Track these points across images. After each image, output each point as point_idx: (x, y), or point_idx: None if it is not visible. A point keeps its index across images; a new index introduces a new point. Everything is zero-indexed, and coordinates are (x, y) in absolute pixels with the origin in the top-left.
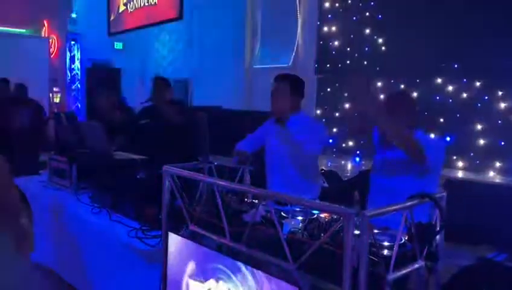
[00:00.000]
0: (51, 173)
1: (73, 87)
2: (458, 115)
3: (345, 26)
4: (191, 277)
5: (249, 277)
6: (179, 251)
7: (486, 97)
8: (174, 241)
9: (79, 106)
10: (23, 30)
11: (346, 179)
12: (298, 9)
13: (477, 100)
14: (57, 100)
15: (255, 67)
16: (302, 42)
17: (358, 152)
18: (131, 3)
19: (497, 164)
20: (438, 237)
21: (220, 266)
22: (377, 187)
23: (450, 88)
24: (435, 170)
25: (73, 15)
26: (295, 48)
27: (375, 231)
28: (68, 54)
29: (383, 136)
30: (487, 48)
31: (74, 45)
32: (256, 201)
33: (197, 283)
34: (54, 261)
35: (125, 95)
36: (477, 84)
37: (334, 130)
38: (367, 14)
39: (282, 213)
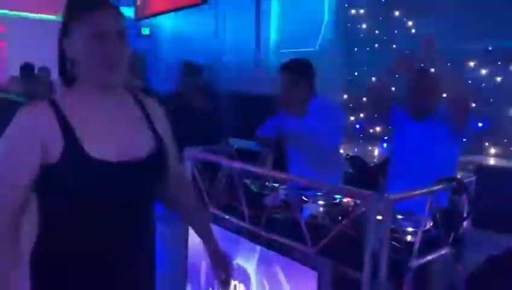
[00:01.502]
0: None
1: None
2: (491, 100)
3: (373, 9)
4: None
5: (268, 261)
6: None
7: None
8: None
9: None
10: (54, 16)
11: (372, 165)
12: None
13: (511, 84)
14: None
15: (282, 51)
16: (330, 25)
17: (385, 138)
18: None
19: None
20: (464, 223)
21: (239, 249)
22: (408, 165)
23: (483, 72)
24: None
25: None
26: (322, 32)
27: (399, 216)
28: None
29: (418, 110)
30: None
31: None
32: (277, 185)
33: None
34: None
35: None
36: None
37: (361, 115)
38: None
39: (303, 197)
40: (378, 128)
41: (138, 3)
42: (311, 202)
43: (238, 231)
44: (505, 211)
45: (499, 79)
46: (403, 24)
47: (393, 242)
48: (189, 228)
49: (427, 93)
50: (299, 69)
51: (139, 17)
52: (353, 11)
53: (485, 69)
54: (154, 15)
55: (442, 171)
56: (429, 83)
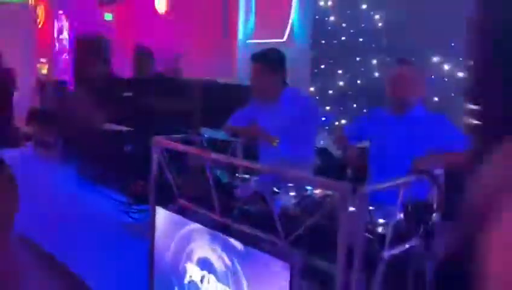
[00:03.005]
0: (36, 144)
1: (61, 58)
2: (453, 94)
3: (341, 2)
4: (180, 252)
5: (239, 253)
6: (167, 226)
7: None
8: (162, 215)
9: (67, 77)
10: None
11: (339, 157)
12: None
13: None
14: (44, 71)
15: (249, 41)
16: (297, 17)
17: None
18: None
19: None
20: (434, 215)
21: (209, 241)
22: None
23: (446, 67)
24: None
25: None
26: (290, 23)
27: (370, 207)
28: (56, 23)
29: (397, 101)
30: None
31: (62, 14)
32: (248, 176)
33: (187, 259)
34: (39, 234)
35: (114, 66)
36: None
37: (328, 108)
38: None
39: (274, 189)
40: (343, 121)
41: None
42: (283, 193)
43: (209, 223)
44: None
45: (460, 74)
46: (370, 17)
47: (365, 233)
48: (156, 218)
49: (405, 84)
50: (271, 59)
51: (102, 2)
52: (321, 3)
53: (448, 64)
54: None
55: None
56: (408, 74)
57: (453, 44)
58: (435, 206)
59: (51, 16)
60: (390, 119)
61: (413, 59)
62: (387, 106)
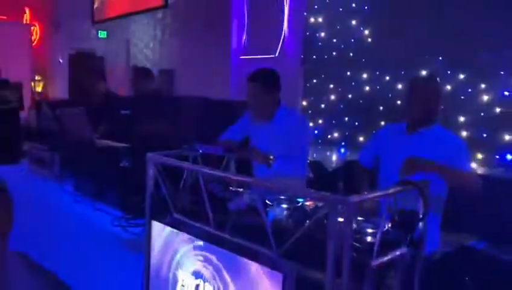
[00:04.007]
0: (32, 162)
1: (56, 75)
2: (442, 107)
3: (332, 17)
4: (175, 265)
5: (234, 265)
6: (162, 240)
7: (469, 90)
8: (158, 229)
9: (62, 95)
10: (4, 17)
11: (331, 169)
12: None
13: (460, 93)
14: (39, 89)
15: (242, 57)
16: (289, 33)
17: (343, 143)
18: None
19: (479, 156)
20: (421, 224)
21: (204, 254)
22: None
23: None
24: None
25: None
26: (282, 39)
27: (359, 218)
28: (51, 41)
29: (412, 119)
30: (471, 41)
31: (57, 33)
32: (241, 189)
33: (182, 272)
34: (37, 250)
35: (109, 84)
36: (461, 76)
37: (320, 121)
38: (353, 5)
39: (267, 201)
40: (336, 134)
41: (95, 6)
42: (275, 205)
43: (203, 236)
44: (456, 212)
45: (449, 87)
46: (359, 33)
47: (354, 243)
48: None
49: (422, 102)
50: (267, 80)
51: (97, 21)
52: (312, 20)
53: (437, 78)
54: (112, 18)
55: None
56: (426, 92)
57: (440, 58)
58: (421, 214)
59: (46, 34)
60: (405, 136)
61: (402, 72)
62: (399, 121)
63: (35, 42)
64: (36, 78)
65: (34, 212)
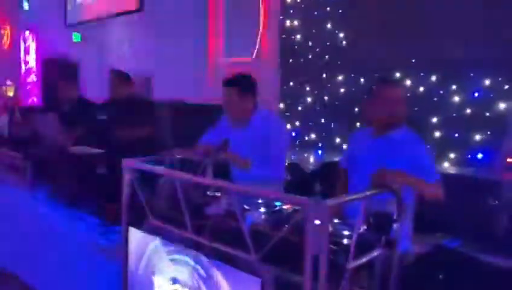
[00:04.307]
0: (3, 170)
1: (28, 80)
2: (416, 109)
3: (307, 21)
4: (153, 271)
5: (212, 270)
6: (140, 246)
7: (441, 91)
8: (135, 236)
9: (35, 99)
10: None
11: (309, 171)
12: (261, 2)
13: (433, 94)
14: (10, 94)
15: (219, 60)
16: (265, 36)
17: (320, 145)
18: None
19: (452, 155)
20: (395, 225)
21: (182, 259)
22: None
23: (408, 82)
24: None
25: (25, 5)
26: (258, 42)
27: (336, 220)
28: (23, 45)
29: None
30: (442, 43)
31: (29, 35)
32: (219, 194)
33: (160, 277)
34: (11, 261)
35: (84, 88)
36: (433, 78)
37: (297, 123)
38: (328, 9)
39: (244, 206)
40: (313, 136)
41: (68, 8)
42: (253, 210)
43: (181, 241)
44: (430, 212)
45: (421, 89)
46: (334, 36)
47: (331, 245)
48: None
49: (388, 107)
50: (241, 86)
51: (70, 24)
52: (287, 23)
53: (410, 79)
54: (86, 22)
55: None
56: (391, 97)
57: (413, 60)
58: (395, 216)
59: (17, 37)
60: (372, 140)
61: (376, 75)
62: (365, 125)
63: (6, 45)
64: (7, 82)
65: (5, 222)
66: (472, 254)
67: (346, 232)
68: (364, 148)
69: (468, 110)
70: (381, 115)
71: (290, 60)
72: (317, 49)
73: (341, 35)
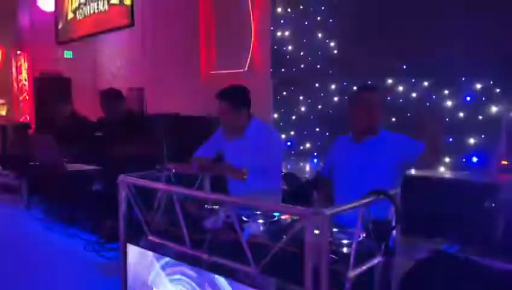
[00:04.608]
0: None
1: (20, 98)
2: (409, 114)
3: (298, 31)
4: (152, 287)
5: (212, 284)
6: (139, 262)
7: (433, 96)
8: (134, 252)
9: (27, 117)
10: None
11: (305, 180)
12: (252, 14)
13: (425, 99)
14: (3, 112)
15: (212, 73)
16: (257, 47)
17: (315, 154)
18: (80, 10)
19: (447, 159)
20: (394, 232)
21: (182, 275)
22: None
23: (400, 88)
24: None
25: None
26: (250, 53)
27: (334, 229)
28: (14, 63)
29: (357, 130)
30: (432, 48)
31: (21, 54)
32: (217, 207)
33: None
34: (8, 277)
35: (76, 105)
36: (425, 84)
37: (292, 133)
38: (318, 18)
39: (243, 218)
40: (308, 145)
41: (60, 26)
42: (251, 221)
43: (180, 257)
44: (428, 218)
45: (414, 95)
46: (325, 45)
47: (330, 255)
48: (127, 257)
49: (371, 110)
50: (235, 97)
51: (61, 41)
52: (279, 34)
53: (402, 85)
54: (77, 39)
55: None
56: (372, 100)
57: (404, 66)
58: (393, 223)
59: (8, 56)
60: (353, 145)
61: (369, 82)
62: (348, 131)
63: None
64: (0, 101)
65: (3, 240)
66: (471, 258)
67: (345, 241)
68: (346, 154)
69: (461, 114)
70: (359, 120)
71: (283, 70)
72: (309, 59)
73: (332, 44)
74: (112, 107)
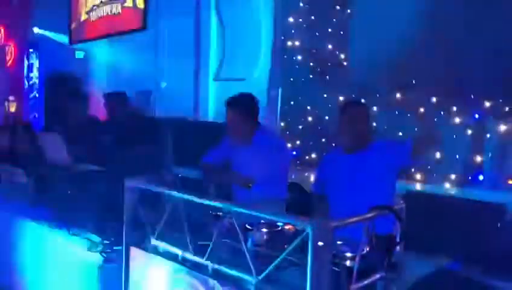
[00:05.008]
0: (5, 186)
1: (30, 96)
2: (416, 129)
3: (308, 42)
4: None
5: None
6: (140, 265)
7: (441, 113)
8: (136, 255)
9: (36, 115)
10: None
11: (309, 191)
12: (262, 23)
13: (433, 115)
14: (12, 109)
15: (220, 79)
16: (266, 56)
17: None
18: (94, 12)
19: (452, 177)
20: (398, 247)
21: (183, 280)
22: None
23: (409, 102)
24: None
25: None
26: (259, 61)
27: (338, 242)
28: (26, 62)
29: (347, 144)
30: (442, 65)
31: (33, 53)
32: (221, 213)
33: None
34: (8, 278)
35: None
36: (434, 99)
37: (298, 142)
38: (329, 30)
39: (246, 225)
40: (314, 155)
41: (72, 26)
42: (255, 230)
43: (182, 262)
44: (432, 234)
45: (422, 110)
46: (335, 56)
47: (333, 267)
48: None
49: (356, 125)
50: (243, 106)
51: (74, 41)
52: (289, 43)
53: (411, 99)
54: (89, 39)
55: (378, 200)
56: (356, 118)
57: (413, 81)
58: (397, 239)
59: (20, 55)
60: (345, 158)
61: (377, 95)
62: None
63: (9, 62)
64: (10, 98)
65: (7, 239)
66: (474, 277)
67: (348, 254)
68: (339, 167)
69: (469, 132)
70: (347, 135)
71: (291, 80)
72: (318, 69)
73: (342, 56)
74: (116, 109)
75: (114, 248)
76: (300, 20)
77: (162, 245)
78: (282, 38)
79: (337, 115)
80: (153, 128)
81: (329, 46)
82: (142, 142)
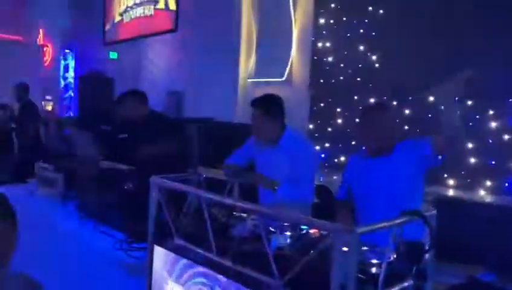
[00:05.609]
0: (39, 181)
1: (66, 95)
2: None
3: (339, 43)
4: None
5: None
6: (164, 264)
7: (477, 116)
8: (160, 254)
9: (71, 114)
10: (20, 38)
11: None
12: (293, 24)
13: (468, 119)
14: (49, 108)
15: (250, 80)
16: (297, 57)
17: None
18: (127, 13)
19: (488, 183)
20: (427, 255)
21: (205, 281)
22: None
23: (442, 106)
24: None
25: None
26: (289, 63)
27: (364, 248)
28: (62, 62)
29: (371, 147)
30: (478, 67)
31: (69, 53)
32: (245, 215)
33: None
34: (37, 271)
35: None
36: (469, 103)
37: (327, 145)
38: (361, 31)
39: (270, 228)
40: (342, 158)
41: (107, 28)
42: (279, 233)
43: (205, 262)
44: (464, 243)
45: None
46: (367, 58)
47: (358, 274)
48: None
49: (377, 130)
50: (269, 106)
51: (108, 42)
52: (319, 45)
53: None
54: (124, 40)
55: (406, 204)
56: (379, 123)
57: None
58: (427, 246)
59: (57, 55)
60: (369, 162)
61: (410, 98)
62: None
63: (47, 63)
64: (46, 97)
65: (36, 232)
66: (508, 288)
67: (374, 261)
68: (364, 172)
69: (506, 137)
70: (370, 141)
71: (321, 81)
72: (349, 71)
73: (374, 57)
74: (137, 108)
75: (139, 245)
76: (332, 21)
77: (185, 245)
78: (313, 39)
79: (359, 120)
80: (173, 127)
81: (361, 48)
82: (164, 142)
